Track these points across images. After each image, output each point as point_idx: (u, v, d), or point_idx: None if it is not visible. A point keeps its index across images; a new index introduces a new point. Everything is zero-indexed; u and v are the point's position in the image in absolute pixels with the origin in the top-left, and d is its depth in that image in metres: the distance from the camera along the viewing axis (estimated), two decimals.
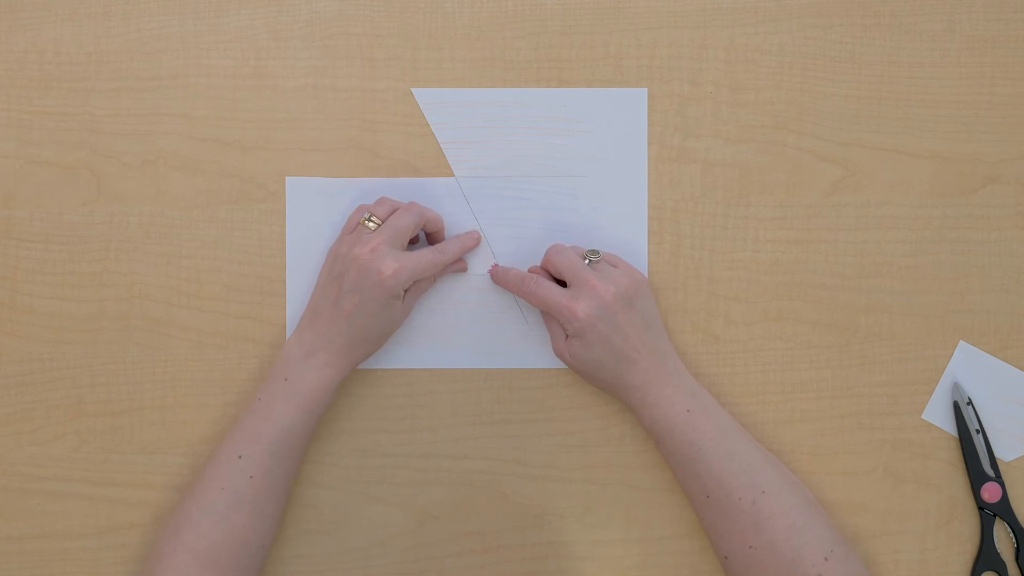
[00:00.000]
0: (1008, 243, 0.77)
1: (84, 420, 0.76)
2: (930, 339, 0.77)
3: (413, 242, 0.77)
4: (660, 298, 0.76)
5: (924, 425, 0.76)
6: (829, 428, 0.76)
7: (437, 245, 0.74)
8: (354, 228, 0.73)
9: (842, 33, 0.77)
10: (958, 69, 0.77)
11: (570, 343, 0.72)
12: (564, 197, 0.77)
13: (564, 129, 0.77)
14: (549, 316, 0.74)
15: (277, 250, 0.77)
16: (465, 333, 0.77)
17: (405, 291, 0.72)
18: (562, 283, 0.74)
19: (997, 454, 0.76)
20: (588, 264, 0.72)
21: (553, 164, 0.77)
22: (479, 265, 0.77)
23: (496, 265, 0.76)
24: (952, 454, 0.76)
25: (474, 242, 0.76)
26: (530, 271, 0.75)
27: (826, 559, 0.66)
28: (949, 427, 0.76)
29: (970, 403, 0.75)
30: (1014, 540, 0.75)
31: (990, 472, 0.75)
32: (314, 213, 0.77)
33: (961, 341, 0.77)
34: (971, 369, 0.76)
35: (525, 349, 0.77)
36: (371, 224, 0.72)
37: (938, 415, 0.76)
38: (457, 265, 0.76)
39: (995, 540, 0.75)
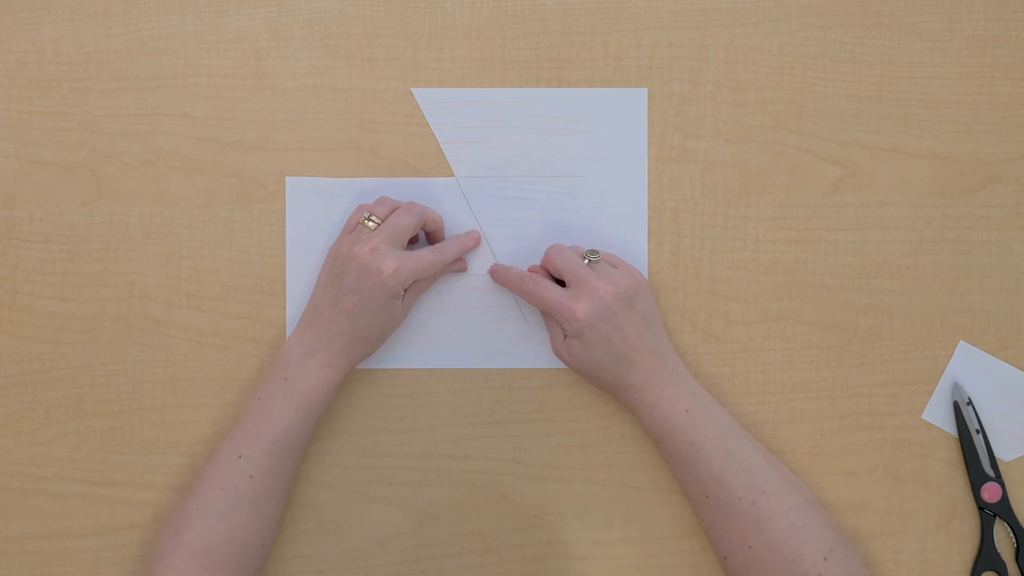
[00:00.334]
0: (1008, 243, 0.77)
1: (84, 420, 0.76)
2: (930, 339, 0.77)
3: (413, 242, 0.77)
4: (660, 298, 0.76)
5: (924, 425, 0.76)
6: (829, 428, 0.76)
7: (437, 245, 0.74)
8: (354, 228, 0.73)
9: (842, 33, 0.77)
10: (958, 69, 0.77)
11: (569, 343, 0.72)
12: (564, 197, 0.77)
13: (564, 129, 0.77)
14: (549, 316, 0.74)
15: (277, 250, 0.77)
16: (465, 333, 0.77)
17: (405, 290, 0.72)
18: (562, 283, 0.74)
19: (997, 454, 0.76)
20: (588, 264, 0.72)
21: (553, 164, 0.77)
22: (479, 265, 0.77)
23: (496, 264, 0.77)
24: (952, 454, 0.76)
25: (474, 242, 0.76)
26: (530, 271, 0.75)
27: (826, 559, 0.66)
28: (949, 427, 0.76)
29: (970, 403, 0.75)
30: (1014, 540, 0.75)
31: (990, 472, 0.75)
32: (314, 213, 0.77)
33: (961, 341, 0.77)
34: (971, 369, 0.76)
35: (525, 349, 0.77)
36: (371, 224, 0.72)
37: (938, 415, 0.76)
38: (457, 265, 0.76)
39: (995, 540, 0.75)
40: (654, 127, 0.77)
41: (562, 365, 0.76)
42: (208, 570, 0.67)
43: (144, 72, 0.77)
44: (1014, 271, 0.77)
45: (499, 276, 0.76)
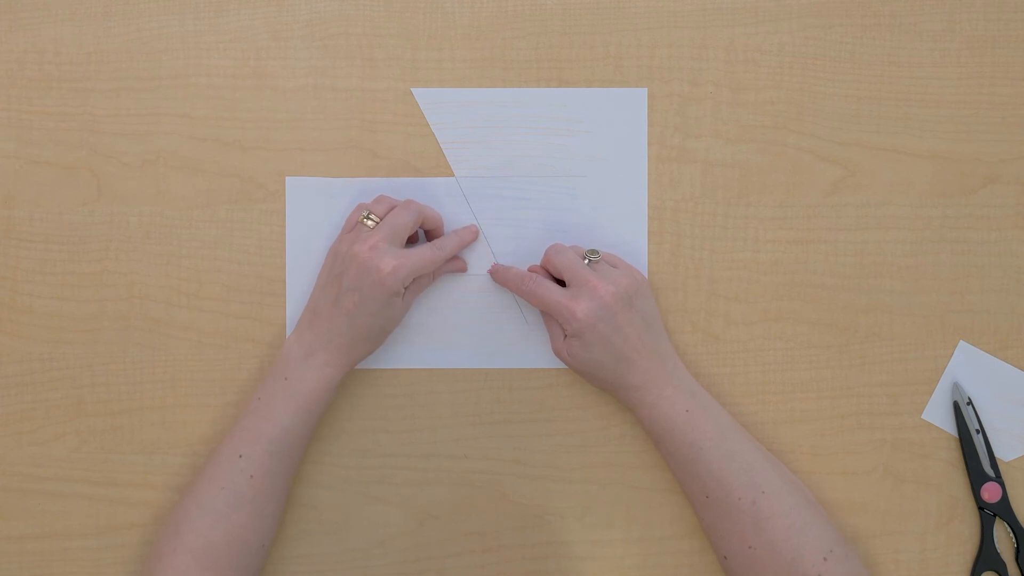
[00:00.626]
0: (1008, 243, 0.77)
1: (84, 420, 0.76)
2: (930, 339, 0.77)
3: (412, 240, 0.77)
4: (660, 298, 0.76)
5: (924, 425, 0.76)
6: (829, 428, 0.76)
7: (435, 241, 0.74)
8: (353, 227, 0.73)
9: (842, 33, 0.77)
10: (958, 69, 0.77)
11: (569, 343, 0.72)
12: (564, 197, 0.77)
13: (564, 129, 0.77)
14: (549, 316, 0.74)
15: (277, 250, 0.77)
16: (465, 333, 0.77)
17: (405, 288, 0.72)
18: (562, 283, 0.74)
19: (997, 454, 0.76)
20: (588, 264, 0.72)
21: (553, 164, 0.77)
22: (479, 265, 0.77)
23: (496, 264, 0.77)
24: (952, 454, 0.76)
25: (472, 236, 0.76)
26: (530, 271, 0.75)
27: (825, 559, 0.66)
28: (949, 427, 0.76)
29: (970, 403, 0.75)
30: (1014, 540, 0.75)
31: (990, 472, 0.75)
32: (314, 213, 0.77)
33: (961, 341, 0.77)
34: (971, 369, 0.76)
35: (525, 349, 0.77)
36: (369, 222, 0.72)
37: (938, 415, 0.76)
38: (456, 264, 0.76)
39: (995, 540, 0.75)
40: (654, 127, 0.77)
41: (562, 365, 0.76)
42: (208, 570, 0.67)
43: (144, 72, 0.77)
44: (1014, 271, 0.77)
45: (499, 276, 0.76)
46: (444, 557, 0.76)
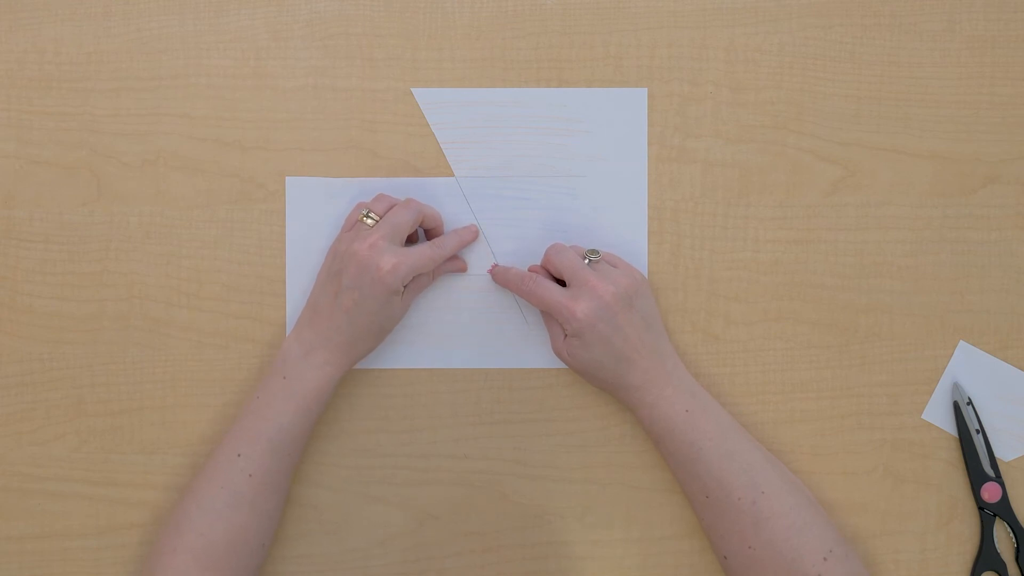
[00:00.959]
0: (1008, 243, 0.77)
1: (84, 420, 0.76)
2: (930, 339, 0.77)
3: (412, 240, 0.77)
4: (660, 298, 0.76)
5: (924, 425, 0.76)
6: (829, 428, 0.76)
7: (435, 240, 0.74)
8: (353, 225, 0.73)
9: (842, 33, 0.77)
10: (958, 69, 0.77)
11: (569, 343, 0.72)
12: (564, 197, 0.77)
13: (564, 129, 0.77)
14: (549, 316, 0.74)
15: (277, 250, 0.77)
16: (465, 333, 0.77)
17: (405, 287, 0.72)
18: (562, 283, 0.74)
19: (997, 454, 0.76)
20: (588, 264, 0.72)
21: (553, 164, 0.77)
22: (479, 265, 0.77)
23: (496, 264, 0.77)
24: (952, 454, 0.76)
25: (472, 236, 0.76)
26: (530, 270, 0.75)
27: (825, 559, 0.66)
28: (949, 427, 0.76)
29: (970, 403, 0.75)
30: (1014, 540, 0.75)
31: (990, 472, 0.75)
32: (314, 213, 0.77)
33: (961, 341, 0.77)
34: (971, 369, 0.76)
35: (525, 349, 0.77)
36: (369, 221, 0.72)
37: (938, 415, 0.76)
38: (456, 264, 0.76)
39: (995, 540, 0.75)
40: (654, 127, 0.77)
41: (562, 365, 0.76)
42: (208, 569, 0.67)
43: (144, 72, 0.77)
44: (1014, 271, 0.77)
45: (499, 276, 0.76)
46: (444, 557, 0.76)
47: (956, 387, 0.76)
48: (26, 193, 0.77)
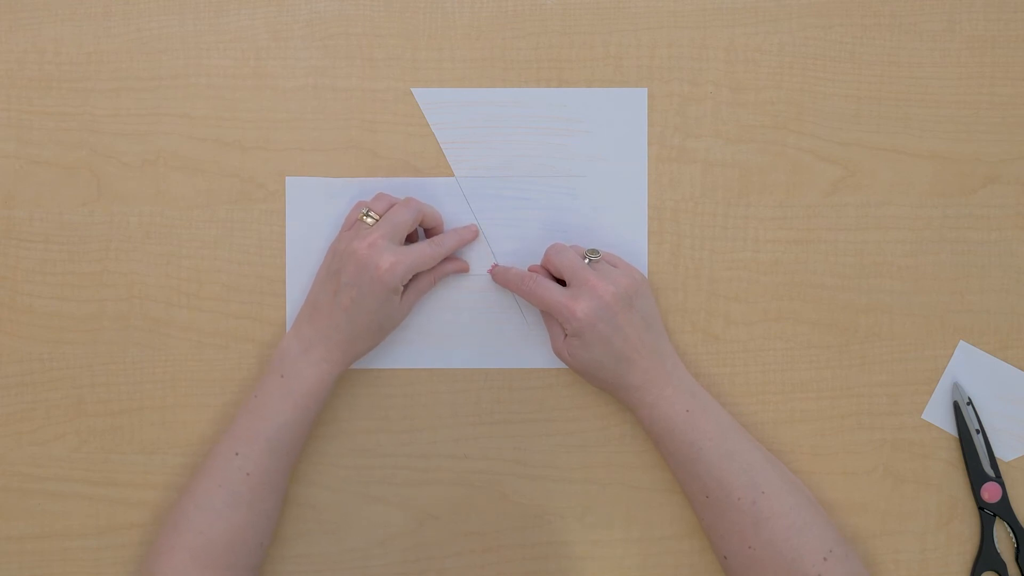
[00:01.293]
0: (1008, 243, 0.77)
1: (84, 420, 0.76)
2: (930, 339, 0.77)
3: (412, 239, 0.77)
4: (660, 298, 0.76)
5: (924, 425, 0.76)
6: (829, 428, 0.76)
7: (434, 238, 0.74)
8: (353, 224, 0.73)
9: (842, 33, 0.77)
10: (958, 69, 0.77)
11: (569, 342, 0.72)
12: (564, 197, 0.77)
13: (564, 129, 0.77)
14: (549, 315, 0.74)
15: (277, 250, 0.77)
16: (465, 333, 0.77)
17: (405, 287, 0.72)
18: (562, 283, 0.74)
19: (997, 454, 0.76)
20: (588, 264, 0.72)
21: (553, 164, 0.77)
22: (479, 265, 0.77)
23: (496, 264, 0.76)
24: (952, 454, 0.76)
25: (472, 235, 0.76)
26: (530, 270, 0.75)
27: (825, 559, 0.66)
28: (949, 427, 0.76)
29: (970, 403, 0.75)
30: (1014, 540, 0.75)
31: (990, 472, 0.75)
32: (314, 213, 0.77)
33: (961, 341, 0.77)
34: (971, 369, 0.76)
35: (525, 349, 0.77)
36: (369, 220, 0.72)
37: (938, 415, 0.76)
38: (459, 265, 0.76)
39: (995, 540, 0.75)
40: (654, 127, 0.77)
41: (562, 365, 0.76)
42: (207, 568, 0.67)
43: (144, 72, 0.77)
44: (1014, 271, 0.77)
45: (499, 276, 0.76)
46: (444, 557, 0.76)
47: (956, 387, 0.76)
48: (26, 193, 0.77)
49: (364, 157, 0.77)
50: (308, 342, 0.72)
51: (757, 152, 0.77)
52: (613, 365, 0.71)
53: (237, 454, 0.70)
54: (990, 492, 0.75)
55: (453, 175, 0.77)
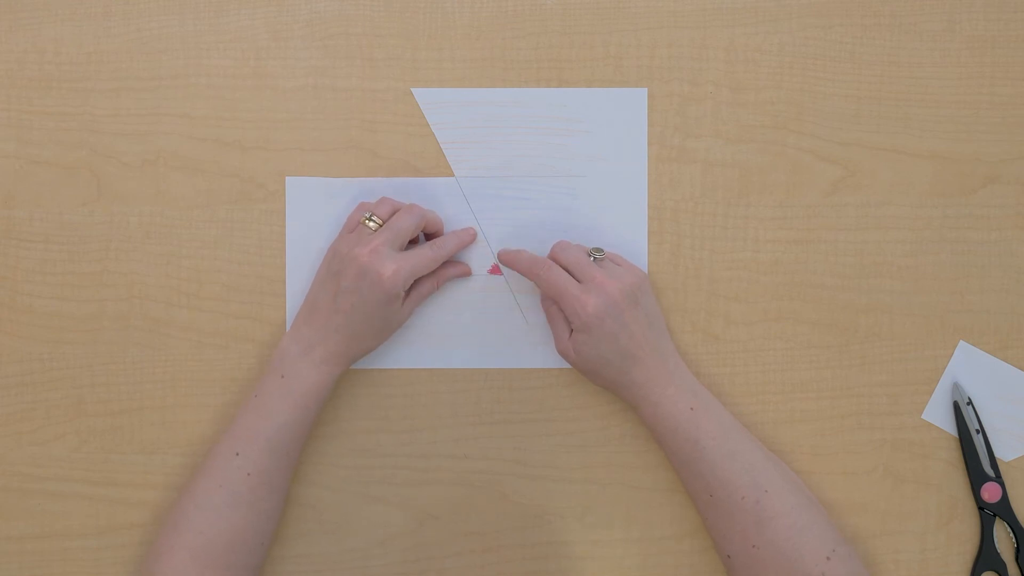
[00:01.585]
0: (1008, 243, 0.77)
1: (84, 420, 0.76)
2: (930, 339, 0.77)
3: (412, 241, 0.77)
4: (660, 298, 0.76)
5: (924, 425, 0.76)
6: (829, 428, 0.76)
7: (434, 241, 0.74)
8: (355, 227, 0.73)
9: (842, 33, 0.77)
10: (958, 69, 0.77)
11: (576, 339, 0.72)
12: (564, 197, 0.77)
13: (564, 129, 0.77)
14: (553, 314, 0.74)
15: (277, 250, 0.77)
16: (465, 333, 0.77)
17: (407, 291, 0.72)
18: None
19: (997, 454, 0.76)
20: (593, 261, 0.72)
21: (553, 164, 0.77)
22: (479, 265, 0.77)
23: (505, 248, 0.76)
24: (952, 454, 0.76)
25: (470, 238, 0.76)
26: None
27: (828, 558, 0.66)
28: (949, 427, 0.76)
29: (970, 403, 0.75)
30: (1014, 540, 0.75)
31: (990, 472, 0.75)
32: (314, 213, 0.77)
33: (961, 341, 0.77)
34: (971, 369, 0.76)
35: (525, 349, 0.77)
36: (372, 224, 0.72)
37: (938, 415, 0.76)
38: (461, 269, 0.76)
39: (995, 540, 0.75)
40: (654, 127, 0.77)
41: (562, 365, 0.76)
42: (207, 568, 0.67)
43: (144, 72, 0.77)
44: (1014, 271, 0.77)
45: (508, 258, 0.75)
46: (444, 557, 0.76)
47: (956, 387, 0.76)
48: (26, 193, 0.77)
49: (364, 157, 0.77)
50: (308, 343, 0.72)
51: (757, 152, 0.77)
52: (618, 362, 0.71)
53: (237, 454, 0.69)
54: (990, 492, 0.75)
55: (453, 175, 0.77)
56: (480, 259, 0.77)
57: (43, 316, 0.77)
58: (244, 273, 0.77)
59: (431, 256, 0.73)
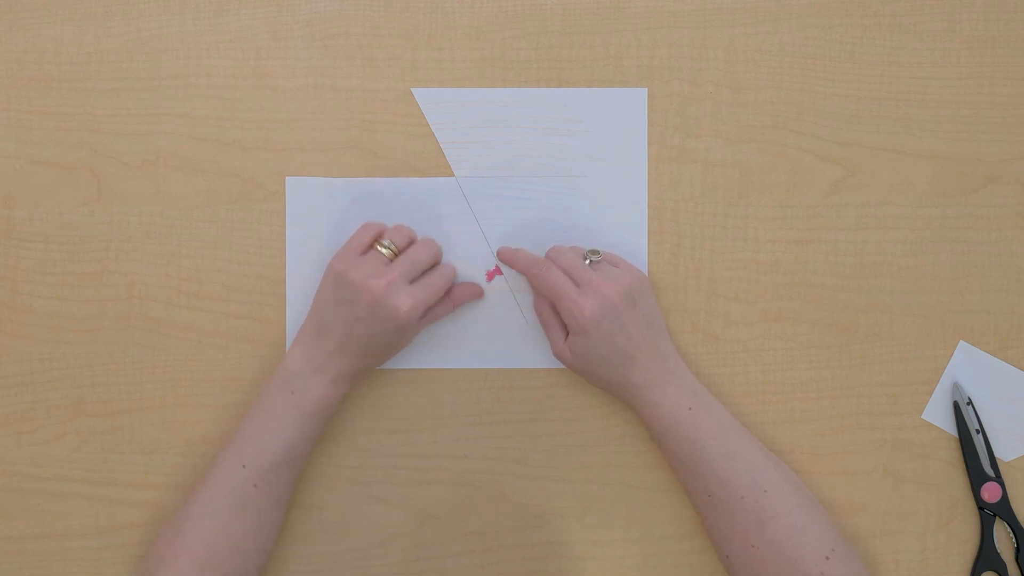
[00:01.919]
0: (1008, 243, 0.77)
1: (84, 420, 0.76)
2: (930, 339, 0.77)
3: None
4: (660, 298, 0.76)
5: (924, 425, 0.76)
6: (829, 428, 0.76)
7: (438, 268, 0.74)
8: (366, 250, 0.72)
9: (842, 33, 0.77)
10: (958, 69, 0.77)
11: (572, 341, 0.72)
12: (564, 197, 0.77)
13: (564, 129, 0.77)
14: (547, 319, 0.74)
15: (277, 250, 0.77)
16: (465, 333, 0.77)
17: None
18: None
19: (997, 454, 0.76)
20: (589, 264, 0.72)
21: (553, 164, 0.77)
22: (479, 265, 0.77)
23: (504, 247, 0.76)
24: (952, 454, 0.76)
25: (480, 296, 0.76)
26: None
27: (828, 558, 0.66)
28: (949, 427, 0.76)
29: (970, 403, 0.75)
30: (1014, 540, 0.75)
31: (990, 472, 0.75)
32: (314, 213, 0.77)
33: (961, 341, 0.77)
34: (971, 369, 0.76)
35: (525, 349, 0.77)
36: (386, 252, 0.71)
37: (938, 415, 0.76)
38: (474, 291, 0.76)
39: (995, 540, 0.75)
40: (654, 127, 0.77)
41: (562, 365, 0.76)
42: (208, 574, 0.67)
43: (144, 72, 0.77)
44: (1014, 271, 0.77)
45: (507, 256, 0.75)
46: (444, 557, 0.76)
47: (956, 387, 0.76)
48: (26, 193, 0.77)
49: (364, 157, 0.77)
50: (319, 364, 0.71)
51: (757, 152, 0.77)
52: (617, 363, 0.71)
53: (244, 466, 0.69)
54: (990, 492, 0.75)
55: (453, 175, 0.77)
56: (480, 259, 0.77)
57: (43, 316, 0.77)
58: (244, 273, 0.77)
59: (441, 285, 0.73)
